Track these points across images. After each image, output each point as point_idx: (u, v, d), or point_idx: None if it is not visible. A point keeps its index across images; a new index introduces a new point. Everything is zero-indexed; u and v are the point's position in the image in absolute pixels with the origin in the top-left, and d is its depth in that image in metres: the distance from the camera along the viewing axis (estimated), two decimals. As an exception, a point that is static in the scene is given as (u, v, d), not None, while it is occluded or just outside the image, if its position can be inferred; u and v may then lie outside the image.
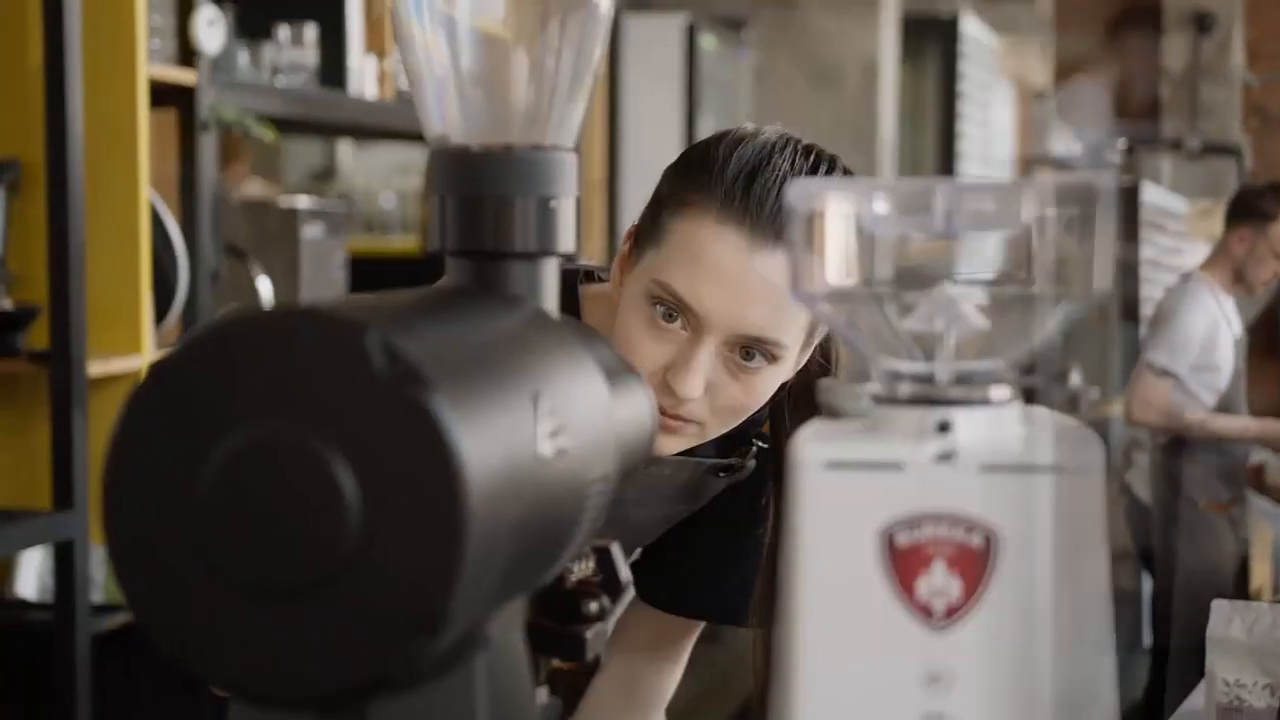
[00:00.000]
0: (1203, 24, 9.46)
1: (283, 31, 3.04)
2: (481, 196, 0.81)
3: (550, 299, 0.82)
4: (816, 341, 1.34)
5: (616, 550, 0.87)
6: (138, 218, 2.49)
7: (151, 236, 2.53)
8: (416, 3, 0.82)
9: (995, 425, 0.69)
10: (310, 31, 3.03)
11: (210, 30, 2.66)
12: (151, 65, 2.55)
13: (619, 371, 0.84)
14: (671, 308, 1.24)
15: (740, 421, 1.31)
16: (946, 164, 7.45)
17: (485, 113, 0.83)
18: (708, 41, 4.89)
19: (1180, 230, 7.55)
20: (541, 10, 0.83)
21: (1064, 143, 5.28)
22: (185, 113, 2.68)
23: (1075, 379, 3.20)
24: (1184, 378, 4.21)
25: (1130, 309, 6.24)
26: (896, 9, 5.82)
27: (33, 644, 2.46)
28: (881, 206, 0.69)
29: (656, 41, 4.83)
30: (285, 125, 3.13)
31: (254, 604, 0.61)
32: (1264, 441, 4.39)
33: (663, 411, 1.25)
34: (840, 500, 0.68)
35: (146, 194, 2.51)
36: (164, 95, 2.65)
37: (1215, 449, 4.25)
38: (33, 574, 2.76)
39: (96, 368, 2.43)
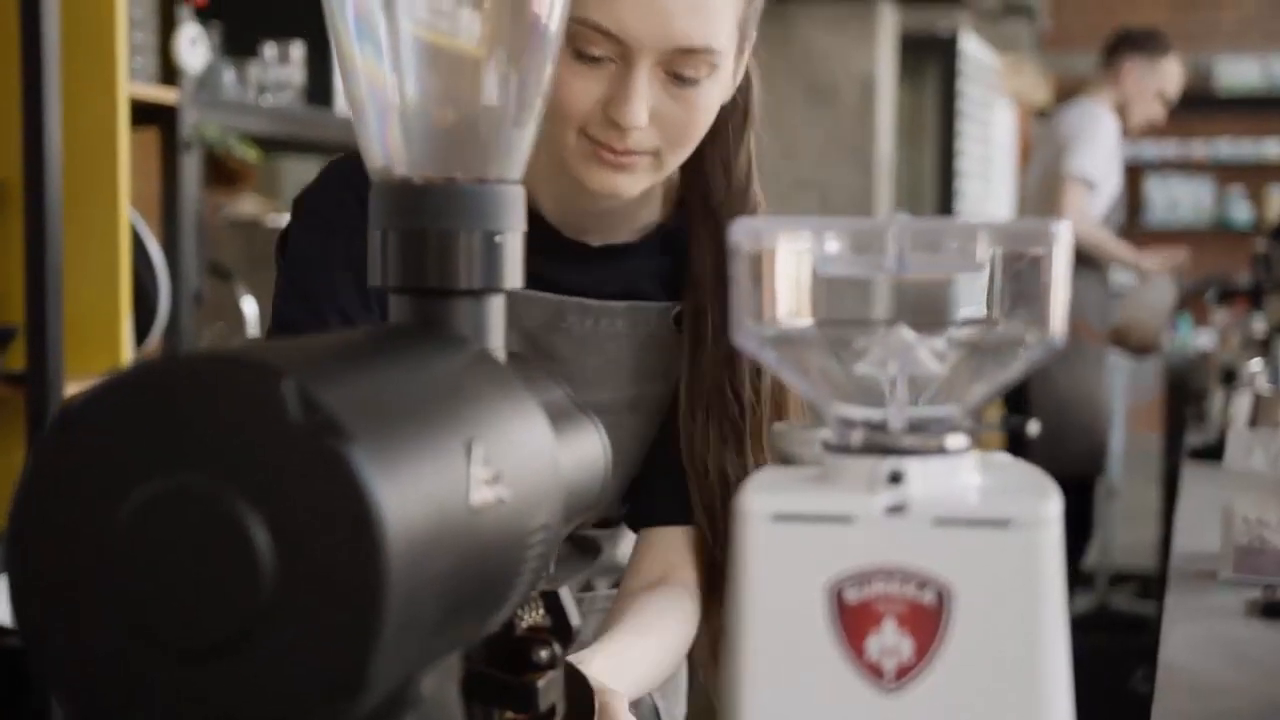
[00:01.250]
0: None
1: (269, 49, 3.01)
2: (424, 231, 0.78)
3: (496, 337, 0.79)
4: (749, 49, 1.30)
5: (566, 594, 0.84)
6: (118, 237, 2.46)
7: (133, 256, 2.50)
8: (358, 30, 0.79)
9: (950, 475, 0.66)
10: (297, 50, 3.00)
11: (193, 49, 2.64)
12: (133, 84, 2.53)
13: (568, 413, 0.81)
14: (594, 44, 1.20)
15: (692, 148, 1.27)
16: (945, 182, 7.43)
17: (428, 144, 0.80)
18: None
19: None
20: (487, 35, 0.81)
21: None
22: (167, 132, 2.65)
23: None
24: (1098, 191, 4.33)
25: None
26: (895, 28, 5.80)
27: (9, 668, 2.43)
28: (832, 246, 0.66)
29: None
30: (271, 144, 3.11)
31: (164, 662, 0.58)
32: (1140, 273, 4.54)
33: (611, 149, 1.23)
34: (787, 554, 0.65)
35: (127, 213, 2.48)
36: (146, 114, 2.63)
37: (1100, 279, 4.39)
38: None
39: (74, 389, 2.40)
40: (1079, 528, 4.57)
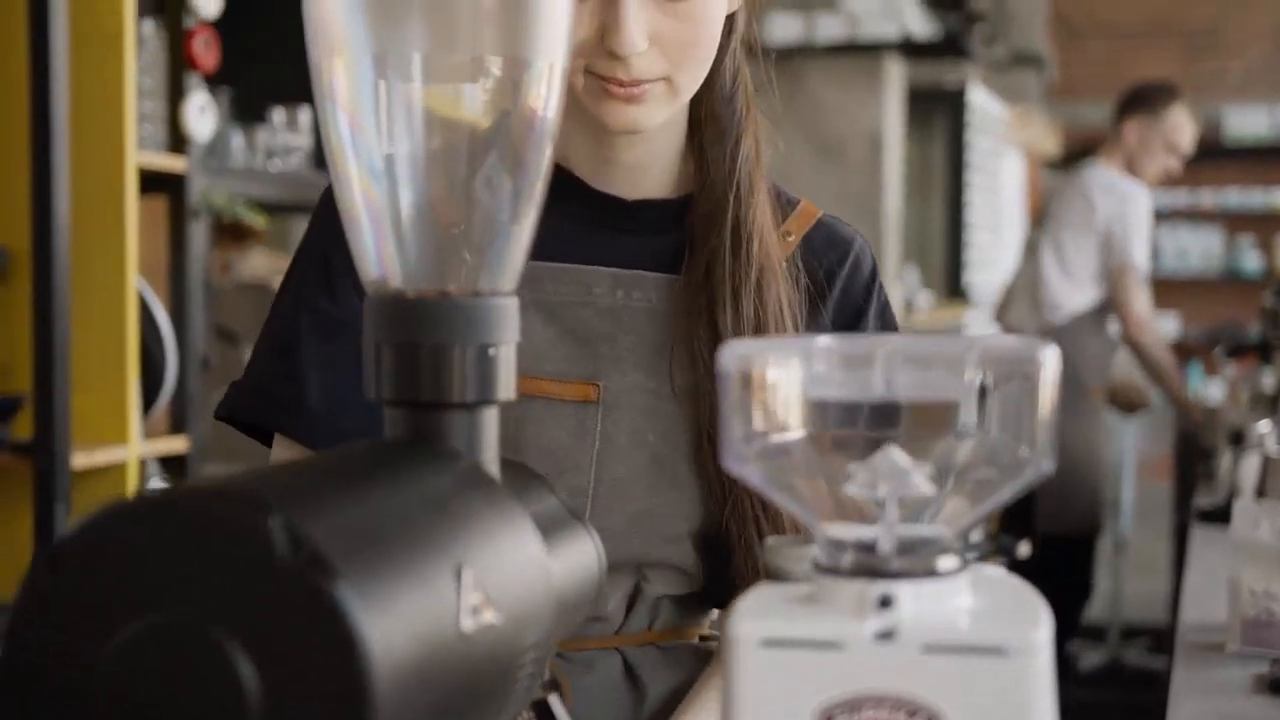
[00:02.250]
0: None
1: (277, 115, 3.03)
2: (418, 344, 0.78)
3: (489, 449, 0.79)
4: None
5: (556, 702, 0.84)
6: (125, 307, 2.47)
7: (140, 324, 2.51)
8: (353, 144, 0.79)
9: (941, 599, 0.66)
10: (305, 115, 3.02)
11: (201, 117, 2.66)
12: (142, 153, 2.54)
13: (560, 522, 0.81)
14: None
15: (707, 68, 1.21)
16: (954, 234, 7.43)
17: (422, 257, 0.80)
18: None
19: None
20: (480, 148, 0.81)
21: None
22: (176, 199, 2.66)
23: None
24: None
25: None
26: (902, 82, 5.82)
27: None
28: (820, 367, 0.66)
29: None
30: (279, 208, 3.12)
31: (153, 798, 0.58)
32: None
33: (619, 81, 1.17)
34: (778, 680, 0.65)
35: (135, 283, 2.49)
36: (155, 182, 2.64)
37: (1099, 329, 4.42)
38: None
39: (82, 459, 2.40)
40: (1080, 585, 4.57)
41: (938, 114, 7.28)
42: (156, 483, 2.71)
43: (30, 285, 2.36)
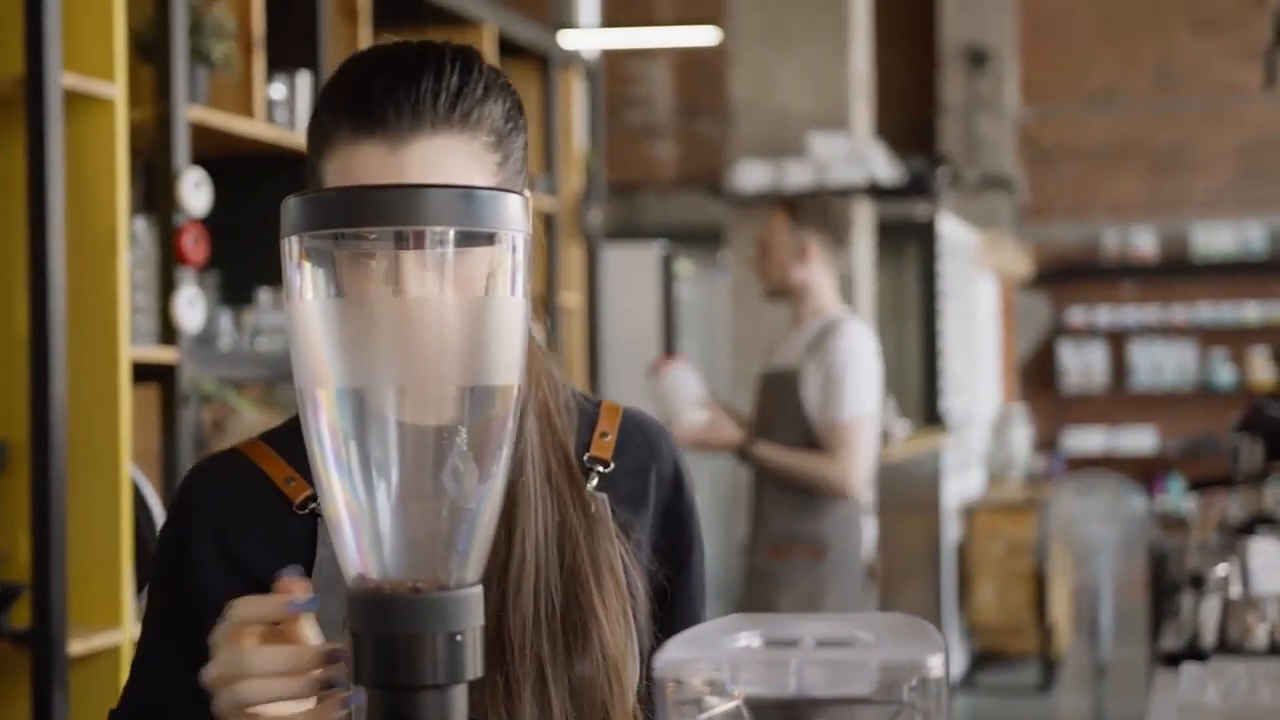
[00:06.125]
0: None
1: (264, 295, 3.16)
2: (393, 635, 0.89)
3: (460, 723, 0.90)
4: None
5: None
6: (120, 496, 2.57)
7: (133, 509, 2.61)
8: (336, 465, 0.90)
9: None
10: (290, 294, 3.15)
11: (191, 309, 2.78)
12: (134, 346, 2.66)
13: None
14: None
15: None
16: (929, 360, 7.56)
17: (397, 556, 0.91)
18: (684, 268, 5.02)
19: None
20: (446, 452, 0.92)
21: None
22: (167, 388, 2.78)
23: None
24: None
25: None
26: (871, 221, 5.98)
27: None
28: (742, 675, 0.77)
29: (635, 268, 4.98)
30: (269, 382, 3.24)
31: None
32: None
33: None
34: None
35: (128, 471, 2.59)
36: (146, 372, 2.76)
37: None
38: None
39: (78, 645, 2.49)
40: None
41: (909, 245, 7.44)
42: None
43: (28, 476, 2.46)
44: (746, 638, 0.79)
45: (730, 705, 0.76)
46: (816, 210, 3.93)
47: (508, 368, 0.90)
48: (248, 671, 0.99)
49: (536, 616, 1.22)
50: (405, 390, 0.89)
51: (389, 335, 0.90)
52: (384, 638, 0.88)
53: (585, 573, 1.24)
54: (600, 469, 1.30)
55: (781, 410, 3.83)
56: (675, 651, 0.78)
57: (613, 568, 1.25)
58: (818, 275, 3.90)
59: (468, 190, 0.90)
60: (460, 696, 0.90)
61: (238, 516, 1.27)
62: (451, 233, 0.88)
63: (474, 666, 0.90)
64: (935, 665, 0.75)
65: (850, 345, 3.79)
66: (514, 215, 0.90)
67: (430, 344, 0.89)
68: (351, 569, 0.91)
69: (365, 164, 1.17)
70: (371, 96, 1.18)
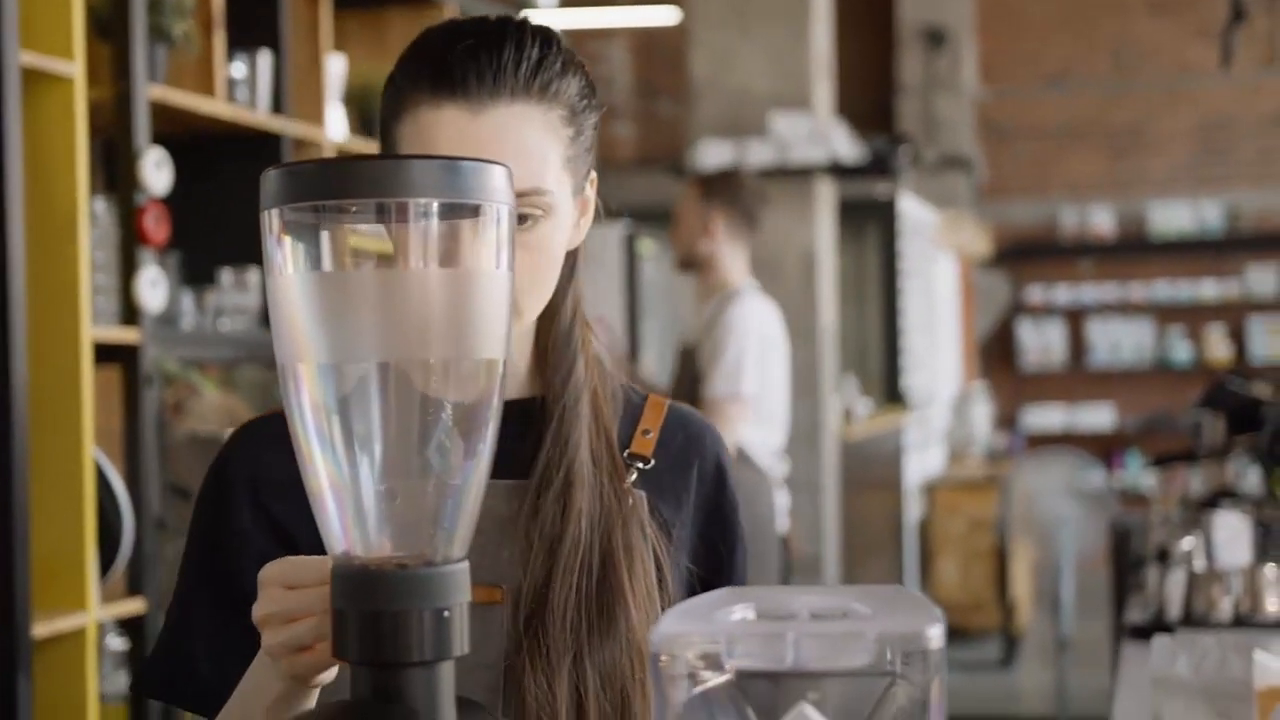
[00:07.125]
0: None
1: (226, 275, 3.13)
2: (379, 612, 0.88)
3: (446, 701, 0.89)
4: (592, 190, 1.29)
5: None
6: (82, 477, 2.54)
7: (96, 491, 2.58)
8: (318, 438, 0.89)
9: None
10: (253, 275, 3.12)
11: (153, 290, 2.75)
12: (96, 327, 2.63)
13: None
14: None
15: (550, 291, 1.25)
16: (890, 338, 7.58)
17: (382, 531, 0.90)
18: (646, 247, 5.02)
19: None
20: (431, 427, 0.91)
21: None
22: (129, 369, 2.75)
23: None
24: None
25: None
26: (833, 200, 5.98)
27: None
28: (738, 648, 0.76)
29: (597, 249, 4.96)
30: (231, 363, 3.21)
31: None
32: None
33: None
34: None
35: (91, 453, 2.57)
36: (108, 353, 2.73)
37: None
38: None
39: (41, 629, 2.47)
40: None
41: (870, 224, 7.46)
42: (115, 645, 2.77)
43: (-10, 460, 2.43)
44: (741, 610, 0.79)
45: (724, 679, 0.76)
46: (727, 187, 3.99)
47: (493, 342, 0.89)
48: (297, 612, 0.98)
49: (577, 594, 1.23)
50: (388, 365, 0.88)
51: (371, 309, 0.88)
52: (370, 614, 0.87)
53: (618, 558, 1.25)
54: (640, 465, 1.31)
55: (682, 383, 3.91)
56: (670, 625, 0.77)
57: (643, 557, 1.26)
58: (723, 250, 3.94)
59: (450, 161, 0.89)
60: (447, 672, 0.89)
61: (275, 478, 1.25)
62: (435, 204, 0.87)
63: (461, 643, 0.89)
64: (934, 636, 0.75)
65: (734, 322, 3.83)
66: (498, 187, 0.89)
67: (414, 318, 0.88)
68: (336, 545, 0.90)
69: (444, 128, 1.19)
70: (453, 62, 1.19)
